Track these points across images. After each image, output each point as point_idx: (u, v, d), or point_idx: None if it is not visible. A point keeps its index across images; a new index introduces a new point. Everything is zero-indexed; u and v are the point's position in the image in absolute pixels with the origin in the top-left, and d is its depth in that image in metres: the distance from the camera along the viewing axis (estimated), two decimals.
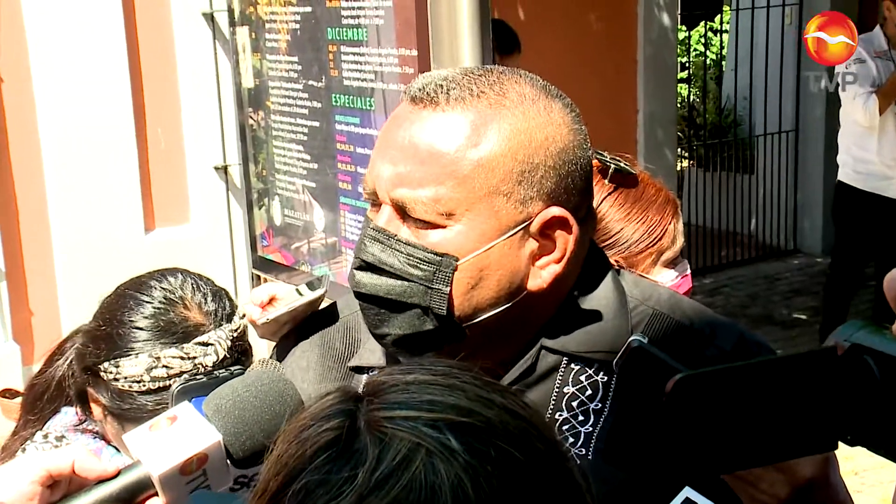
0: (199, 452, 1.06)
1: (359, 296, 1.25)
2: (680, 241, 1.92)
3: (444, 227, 1.19)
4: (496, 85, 1.22)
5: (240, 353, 1.63)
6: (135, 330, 1.59)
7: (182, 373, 1.56)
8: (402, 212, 1.21)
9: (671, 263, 1.91)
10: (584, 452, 1.24)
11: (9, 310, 4.56)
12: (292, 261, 4.04)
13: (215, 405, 1.11)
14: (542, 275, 1.23)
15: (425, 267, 1.19)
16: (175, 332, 1.58)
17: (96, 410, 1.65)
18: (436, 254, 1.19)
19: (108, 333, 1.60)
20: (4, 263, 4.55)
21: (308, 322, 1.47)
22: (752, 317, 6.74)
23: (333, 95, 3.59)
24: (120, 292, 1.65)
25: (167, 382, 1.56)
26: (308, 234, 3.91)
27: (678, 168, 7.72)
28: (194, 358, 1.57)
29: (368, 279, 1.22)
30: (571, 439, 1.24)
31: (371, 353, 1.35)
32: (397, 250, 1.20)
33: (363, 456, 0.77)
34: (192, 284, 1.64)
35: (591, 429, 1.25)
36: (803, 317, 6.61)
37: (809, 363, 0.78)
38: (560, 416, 1.25)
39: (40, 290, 4.63)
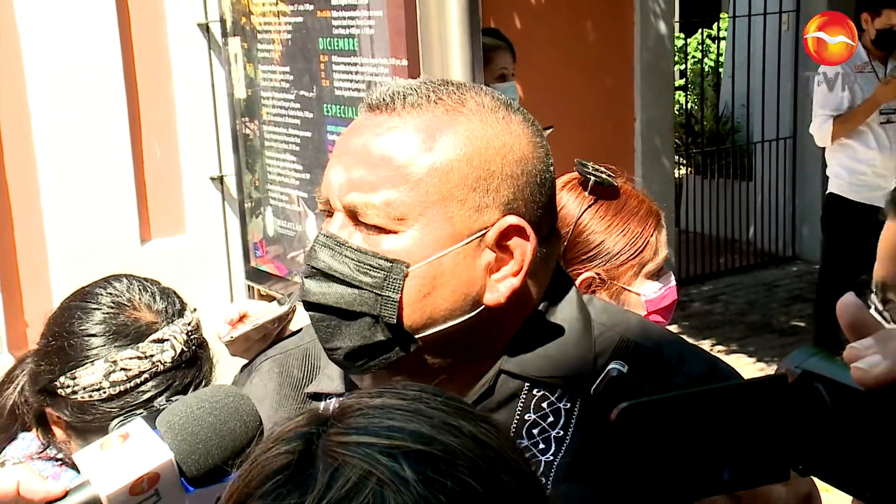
0: (149, 472, 1.04)
1: (308, 305, 1.21)
2: (663, 252, 1.91)
3: (396, 232, 1.16)
4: (455, 94, 1.20)
5: (196, 346, 1.62)
6: (87, 338, 1.57)
7: (141, 373, 1.55)
8: (354, 218, 1.18)
9: (654, 275, 1.90)
10: (544, 482, 1.19)
11: (4, 321, 4.55)
12: (285, 271, 4.04)
13: (168, 422, 1.08)
14: (500, 288, 1.20)
15: (375, 273, 1.16)
16: (128, 333, 1.57)
17: (58, 432, 1.62)
18: (386, 260, 1.16)
19: (59, 347, 1.58)
20: (0, 275, 4.55)
21: (271, 347, 1.45)
22: (750, 324, 6.73)
23: (325, 105, 3.60)
24: (65, 305, 1.64)
25: (127, 386, 1.55)
26: (302, 245, 3.91)
27: (676, 175, 7.71)
28: (152, 356, 1.56)
29: (317, 287, 1.19)
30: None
31: (329, 379, 1.32)
32: (347, 257, 1.17)
33: (312, 482, 0.75)
34: (138, 287, 1.64)
35: (552, 458, 1.21)
36: (802, 324, 6.59)
37: (760, 391, 0.77)
38: (520, 443, 1.22)
39: (36, 301, 4.62)
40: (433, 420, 0.79)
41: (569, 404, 1.22)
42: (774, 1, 7.57)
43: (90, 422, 1.56)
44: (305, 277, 1.21)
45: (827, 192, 5.52)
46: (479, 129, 1.19)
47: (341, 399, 0.86)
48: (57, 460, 1.66)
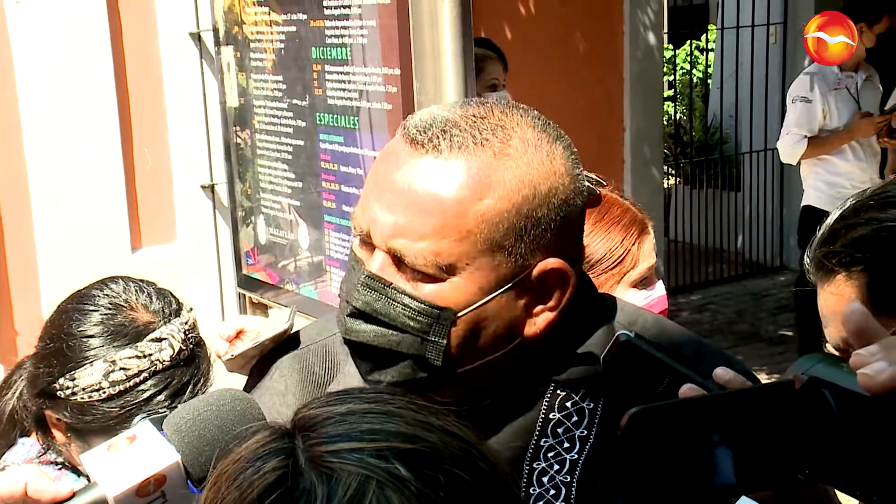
0: (156, 473, 1.05)
1: (350, 344, 1.22)
2: (646, 262, 1.89)
3: (442, 280, 1.16)
4: (499, 130, 1.18)
5: (194, 345, 1.64)
6: (85, 339, 1.58)
7: (140, 372, 1.56)
8: (397, 260, 1.17)
9: (640, 284, 1.89)
10: (569, 480, 1.22)
11: None
12: (277, 279, 4.04)
13: (175, 424, 1.09)
14: (537, 322, 1.22)
15: (422, 319, 1.16)
16: (126, 333, 1.59)
17: (58, 435, 1.63)
18: (434, 307, 1.16)
19: (57, 349, 1.59)
20: None
21: (284, 345, 1.44)
22: (738, 333, 6.75)
23: (317, 114, 3.60)
24: (62, 308, 1.66)
25: (127, 385, 1.56)
26: (293, 253, 3.91)
27: (665, 185, 7.74)
28: (150, 355, 1.57)
29: (360, 327, 1.19)
30: (557, 466, 1.23)
31: (351, 377, 1.32)
32: (393, 300, 1.16)
33: (312, 494, 0.75)
34: (134, 288, 1.66)
35: (576, 456, 1.23)
36: (789, 333, 6.62)
37: (767, 396, 0.78)
38: (546, 442, 1.24)
39: (26, 309, 4.61)
40: (406, 419, 0.81)
41: (592, 404, 1.24)
42: (762, 13, 7.62)
43: (90, 422, 1.57)
44: (347, 316, 1.20)
45: (803, 204, 5.55)
46: (527, 174, 1.17)
47: (300, 409, 0.86)
48: (57, 464, 1.66)
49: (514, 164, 1.17)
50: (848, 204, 1.50)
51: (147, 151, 4.78)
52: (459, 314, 1.16)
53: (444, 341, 1.17)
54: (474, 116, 1.19)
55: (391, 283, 1.17)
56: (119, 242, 4.69)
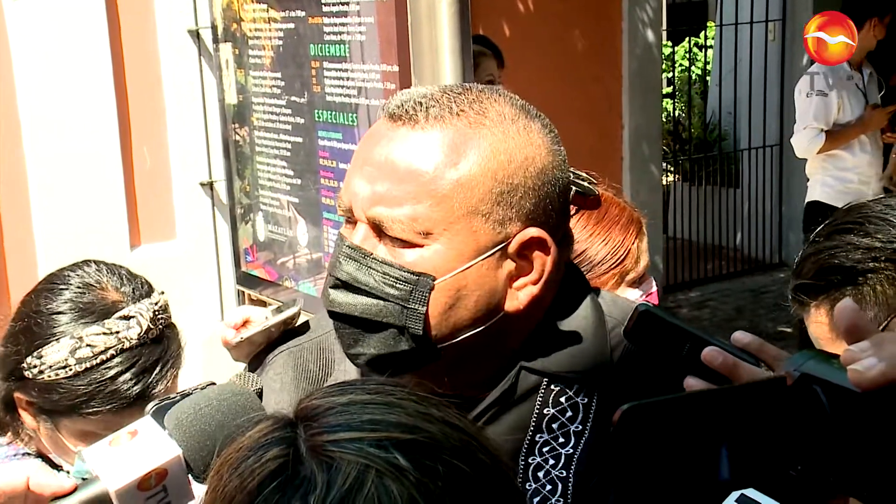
0: (157, 467, 1.06)
1: (332, 315, 1.24)
2: (644, 260, 1.91)
3: (420, 246, 1.18)
4: (476, 103, 1.21)
5: (164, 326, 1.65)
6: (54, 316, 1.59)
7: (107, 349, 1.57)
8: (378, 230, 1.20)
9: (636, 283, 1.91)
10: (565, 475, 1.23)
11: None
12: (276, 276, 4.05)
13: (176, 419, 1.10)
14: (519, 296, 1.23)
15: (402, 286, 1.18)
16: (94, 311, 1.60)
17: (27, 418, 1.64)
18: (412, 273, 1.18)
19: (26, 326, 1.61)
20: None
21: (280, 341, 1.46)
22: (738, 330, 6.75)
23: (316, 111, 3.60)
24: (34, 289, 1.67)
25: (94, 362, 1.56)
26: (292, 250, 3.91)
27: (664, 182, 7.74)
28: (117, 332, 1.58)
29: (343, 298, 1.21)
30: (552, 461, 1.24)
31: (345, 374, 1.34)
32: (373, 269, 1.19)
33: (312, 483, 0.77)
34: (106, 270, 1.67)
35: (571, 451, 1.24)
36: (788, 329, 6.62)
37: (759, 393, 0.79)
38: (540, 437, 1.24)
39: None
40: (407, 410, 0.83)
41: (586, 399, 1.25)
42: (761, 10, 7.62)
43: (57, 401, 1.57)
44: (330, 288, 1.22)
45: (809, 199, 5.54)
46: (502, 142, 1.20)
47: (302, 399, 0.88)
48: (31, 455, 1.67)
49: (489, 133, 1.20)
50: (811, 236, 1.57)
51: (146, 149, 4.78)
52: (438, 280, 1.18)
53: (424, 308, 1.18)
54: (452, 92, 1.23)
55: (371, 253, 1.19)
56: (118, 240, 4.70)
